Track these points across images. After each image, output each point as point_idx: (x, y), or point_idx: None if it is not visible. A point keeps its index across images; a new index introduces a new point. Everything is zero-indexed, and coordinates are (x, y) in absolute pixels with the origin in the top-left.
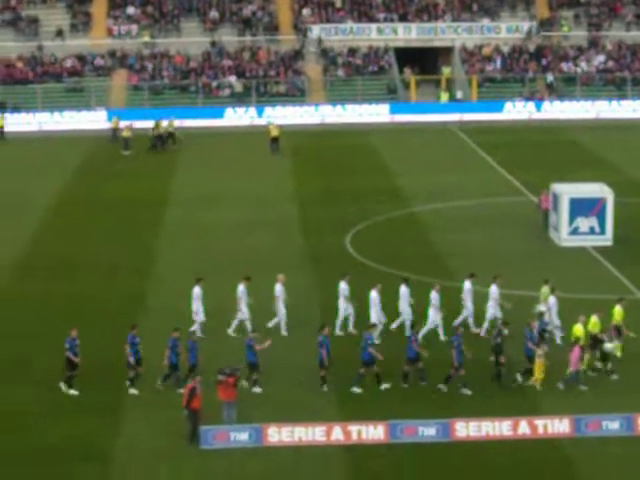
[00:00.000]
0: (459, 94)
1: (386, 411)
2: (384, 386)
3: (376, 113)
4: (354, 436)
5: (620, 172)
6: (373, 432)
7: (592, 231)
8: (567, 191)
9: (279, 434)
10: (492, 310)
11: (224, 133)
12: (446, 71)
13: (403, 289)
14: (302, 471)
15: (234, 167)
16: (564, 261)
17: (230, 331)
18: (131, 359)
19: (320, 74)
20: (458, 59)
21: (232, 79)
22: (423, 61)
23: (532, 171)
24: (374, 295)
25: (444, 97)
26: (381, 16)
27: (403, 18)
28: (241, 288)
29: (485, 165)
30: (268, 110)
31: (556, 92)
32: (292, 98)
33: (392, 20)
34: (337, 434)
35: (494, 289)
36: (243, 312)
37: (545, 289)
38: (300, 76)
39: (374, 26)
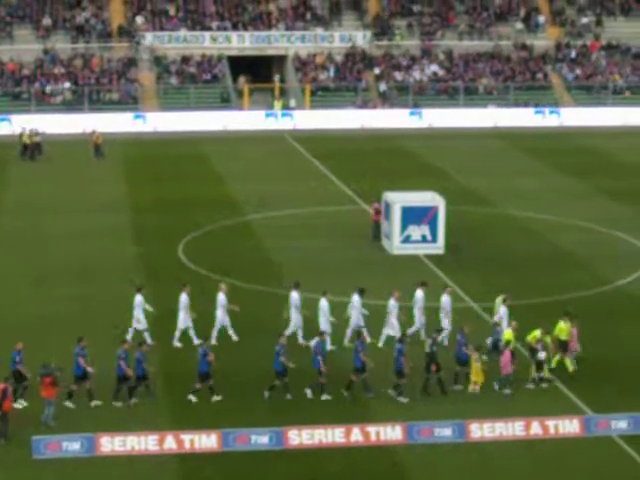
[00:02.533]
0: (292, 102)
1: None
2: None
3: (209, 121)
4: (187, 445)
5: (451, 180)
6: (206, 441)
7: (424, 239)
8: (399, 200)
9: (112, 443)
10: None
11: (55, 141)
12: (279, 80)
13: (356, 298)
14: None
15: (65, 175)
16: (396, 269)
17: (175, 341)
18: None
19: (153, 82)
20: (291, 68)
21: (65, 86)
22: (257, 70)
23: (365, 180)
24: (324, 303)
25: (277, 106)
26: (214, 24)
27: (236, 26)
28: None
29: (318, 173)
30: (99, 118)
31: (389, 101)
32: (125, 106)
33: (225, 29)
34: (169, 443)
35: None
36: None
37: (499, 299)
38: (133, 84)
39: (207, 34)
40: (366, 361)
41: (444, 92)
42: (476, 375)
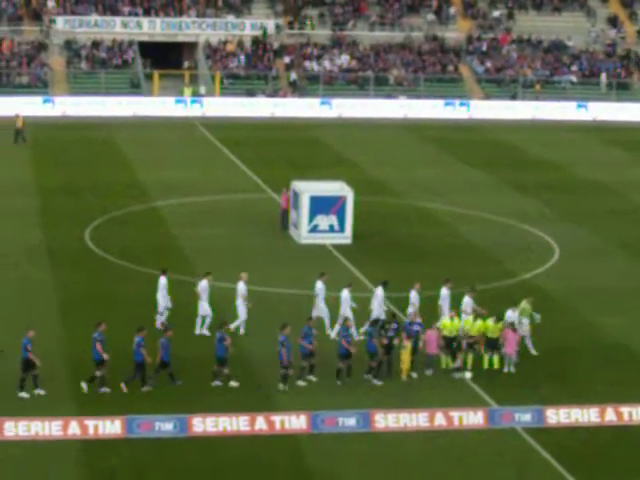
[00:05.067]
0: (202, 89)
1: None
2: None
3: (119, 107)
4: (91, 431)
5: (360, 170)
6: (110, 427)
7: (332, 229)
8: (308, 189)
9: (16, 428)
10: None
11: None
12: (190, 66)
13: (379, 291)
14: (36, 466)
15: None
16: (303, 258)
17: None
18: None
19: (63, 66)
20: (202, 54)
21: None
22: (167, 56)
23: (274, 168)
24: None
25: (187, 92)
26: (126, 10)
27: (148, 12)
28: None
29: (227, 161)
30: (8, 101)
31: (299, 90)
32: (34, 90)
33: (137, 14)
34: (74, 429)
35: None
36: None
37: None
38: (43, 68)
39: (118, 19)
40: (348, 348)
41: (354, 82)
42: (405, 362)
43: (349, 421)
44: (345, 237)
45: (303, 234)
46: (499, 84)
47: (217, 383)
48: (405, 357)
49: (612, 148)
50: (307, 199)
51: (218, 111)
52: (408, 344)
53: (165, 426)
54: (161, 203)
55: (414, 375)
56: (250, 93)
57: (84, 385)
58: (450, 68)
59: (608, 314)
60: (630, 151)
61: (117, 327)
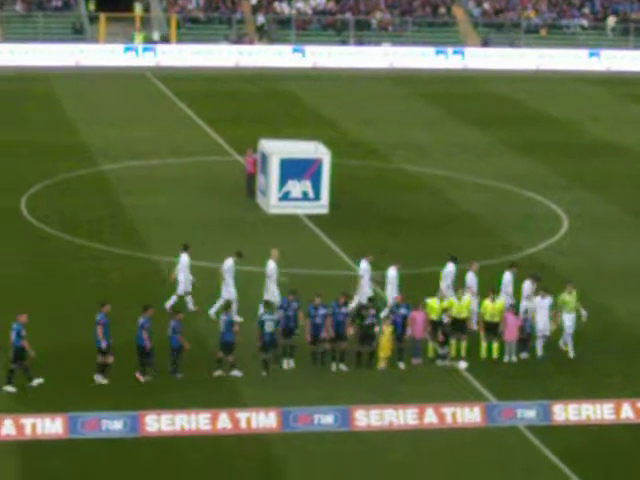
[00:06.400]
0: (156, 35)
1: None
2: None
3: (59, 55)
4: (27, 431)
5: (338, 129)
6: (50, 426)
7: (305, 197)
8: (277, 151)
9: None
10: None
11: None
12: (140, 9)
13: (392, 272)
14: None
15: None
16: (273, 231)
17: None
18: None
19: None
20: None
21: None
22: None
23: (238, 127)
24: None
25: (138, 38)
26: None
27: None
28: (184, 258)
29: (184, 118)
30: None
31: (268, 36)
32: None
33: None
34: (8, 428)
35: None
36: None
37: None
38: None
39: None
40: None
41: (332, 27)
42: (385, 350)
43: (326, 419)
44: (321, 206)
45: (272, 203)
46: (499, 29)
47: (219, 373)
48: (385, 343)
49: (628, 103)
50: (277, 162)
51: (174, 60)
52: (388, 329)
53: (113, 425)
54: (108, 167)
55: (401, 366)
56: (211, 39)
57: (99, 377)
58: (442, 10)
59: (625, 296)
60: None
61: (58, 310)
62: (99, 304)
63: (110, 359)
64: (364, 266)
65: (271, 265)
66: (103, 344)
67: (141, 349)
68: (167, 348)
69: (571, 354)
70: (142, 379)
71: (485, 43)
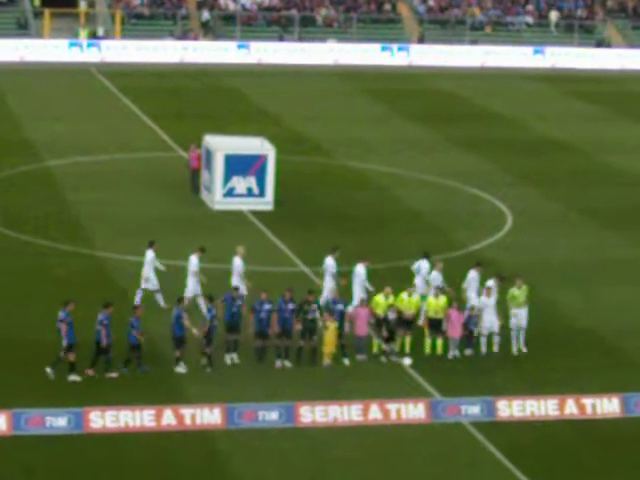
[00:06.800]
0: (100, 31)
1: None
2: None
3: (3, 51)
4: None
5: (283, 125)
6: None
7: (250, 193)
8: (222, 146)
9: None
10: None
11: None
12: (85, 5)
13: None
14: None
15: None
16: (217, 227)
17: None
18: None
19: None
20: None
21: None
22: None
23: (183, 122)
24: (360, 270)
25: (83, 34)
26: None
27: None
28: (150, 254)
29: (129, 114)
30: None
31: (213, 32)
32: None
33: None
34: None
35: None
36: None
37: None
38: None
39: None
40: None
41: (276, 23)
42: (329, 346)
43: (270, 415)
44: (266, 202)
45: (217, 199)
46: (443, 26)
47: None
48: (329, 339)
49: (573, 100)
50: (221, 158)
51: (118, 56)
52: (332, 325)
53: (58, 421)
54: (53, 163)
55: (346, 362)
56: (156, 35)
57: (49, 370)
58: (387, 7)
59: (569, 292)
60: (594, 104)
61: (2, 306)
62: (61, 303)
63: (72, 357)
64: (329, 262)
65: (237, 261)
66: (64, 342)
67: (97, 345)
68: (125, 345)
69: (524, 349)
70: (91, 373)
71: (430, 40)
